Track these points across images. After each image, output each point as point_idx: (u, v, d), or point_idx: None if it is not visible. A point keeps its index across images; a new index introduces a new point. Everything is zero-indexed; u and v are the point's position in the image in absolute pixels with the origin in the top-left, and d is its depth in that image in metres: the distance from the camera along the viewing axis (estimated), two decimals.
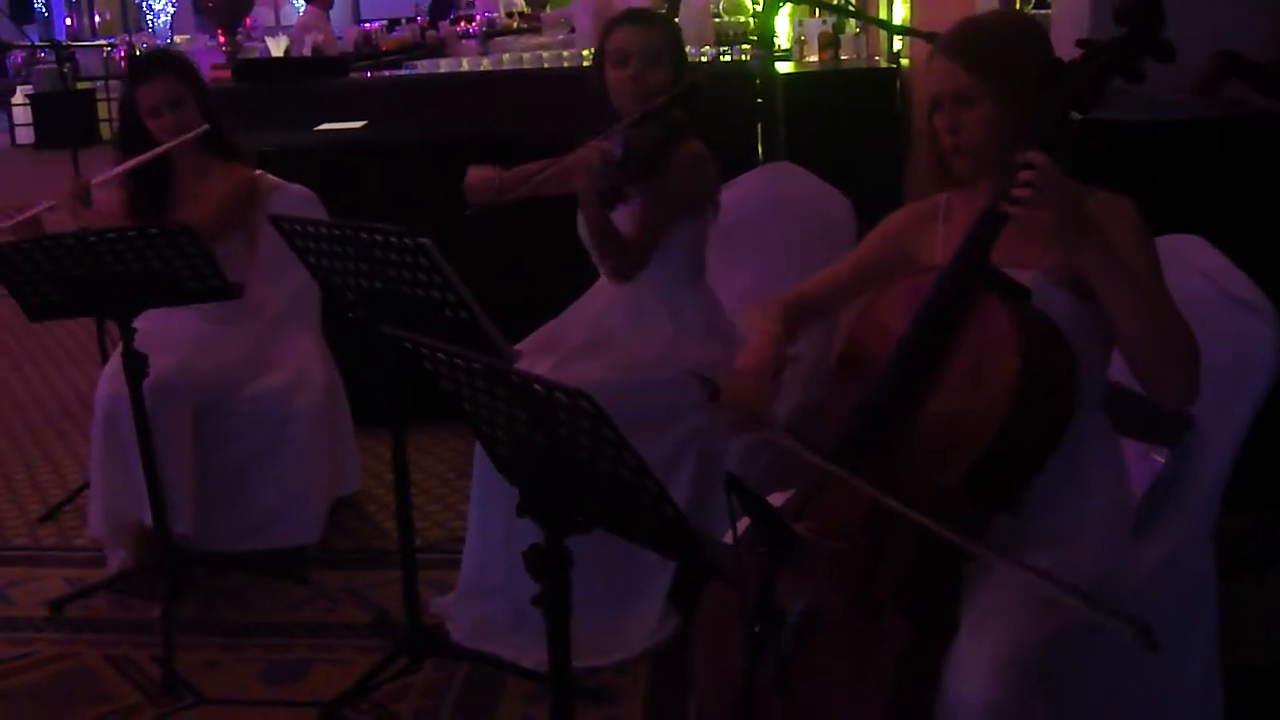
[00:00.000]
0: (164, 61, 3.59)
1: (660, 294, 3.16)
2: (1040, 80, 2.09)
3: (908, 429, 2.02)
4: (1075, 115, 2.05)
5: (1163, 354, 1.97)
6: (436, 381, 1.91)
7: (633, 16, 3.17)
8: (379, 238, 2.58)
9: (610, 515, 1.79)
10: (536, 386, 1.66)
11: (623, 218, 3.05)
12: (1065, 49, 2.17)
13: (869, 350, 2.17)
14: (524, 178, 3.05)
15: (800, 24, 7.72)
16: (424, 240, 2.51)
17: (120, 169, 3.49)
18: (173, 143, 3.48)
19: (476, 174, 3.14)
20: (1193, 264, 2.33)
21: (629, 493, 1.68)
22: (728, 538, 1.86)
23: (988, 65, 2.09)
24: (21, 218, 3.41)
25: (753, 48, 7.25)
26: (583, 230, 3.08)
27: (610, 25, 3.14)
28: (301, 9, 16.79)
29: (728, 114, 4.54)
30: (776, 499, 2.13)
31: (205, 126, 3.51)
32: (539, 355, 3.08)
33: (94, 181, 3.49)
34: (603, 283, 3.27)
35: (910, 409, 2.03)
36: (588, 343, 3.16)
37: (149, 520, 3.26)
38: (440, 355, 1.82)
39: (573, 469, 1.74)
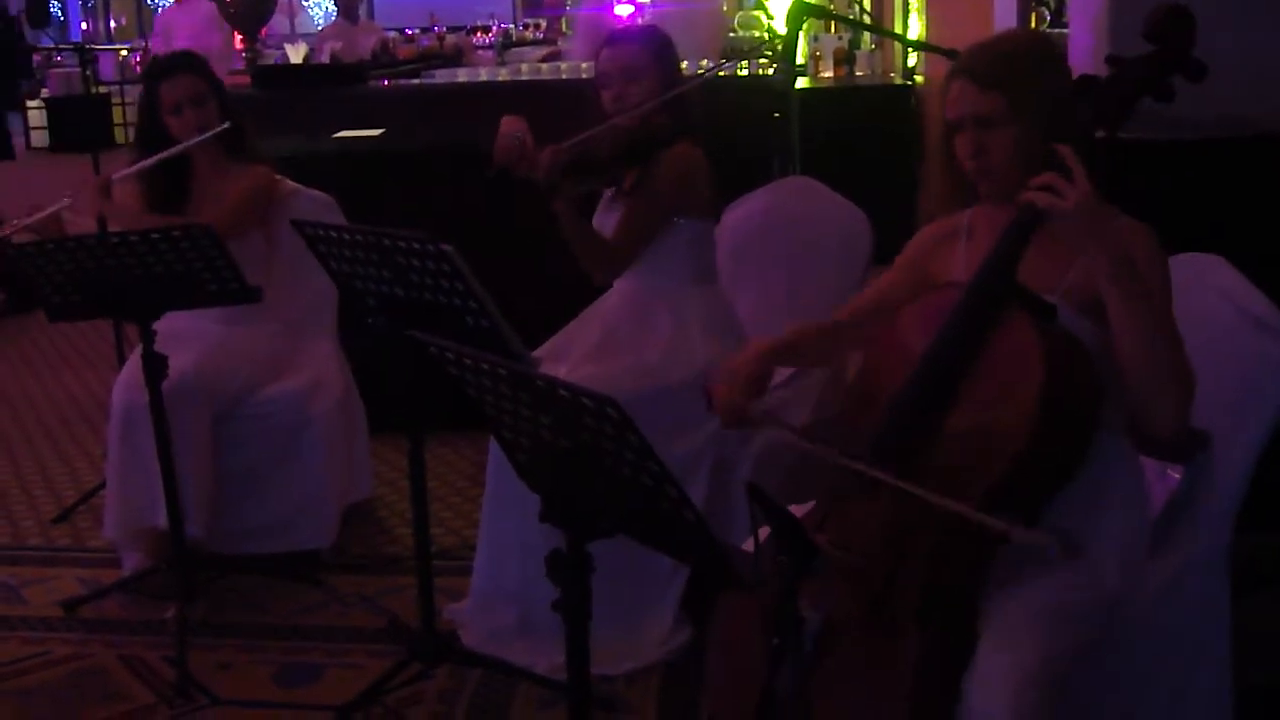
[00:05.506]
0: (188, 59, 3.64)
1: (663, 295, 3.19)
2: (1060, 98, 2.07)
3: (928, 445, 2.01)
4: (1100, 134, 2.05)
5: (1157, 378, 1.96)
6: (459, 388, 1.93)
7: (612, 38, 3.24)
8: (402, 243, 2.60)
9: (631, 520, 1.80)
10: (562, 392, 1.68)
11: (606, 220, 3.13)
12: (1083, 68, 2.16)
13: (888, 366, 2.15)
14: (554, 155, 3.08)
15: (816, 39, 7.75)
16: (446, 246, 2.53)
17: (142, 164, 3.51)
18: (194, 140, 3.50)
19: (510, 123, 3.10)
20: (1211, 284, 2.33)
21: (650, 498, 1.69)
22: (746, 546, 1.87)
23: (1006, 82, 2.07)
24: (41, 215, 3.43)
25: (773, 62, 7.27)
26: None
27: (598, 49, 3.22)
28: (318, 18, 16.90)
29: (747, 128, 4.56)
30: (795, 511, 2.13)
31: (227, 124, 3.53)
32: (552, 362, 3.10)
33: (114, 177, 3.51)
34: (611, 290, 3.29)
35: (932, 425, 2.01)
36: (594, 348, 3.18)
37: (164, 524, 3.26)
38: (466, 361, 1.83)
39: (595, 474, 1.75)
